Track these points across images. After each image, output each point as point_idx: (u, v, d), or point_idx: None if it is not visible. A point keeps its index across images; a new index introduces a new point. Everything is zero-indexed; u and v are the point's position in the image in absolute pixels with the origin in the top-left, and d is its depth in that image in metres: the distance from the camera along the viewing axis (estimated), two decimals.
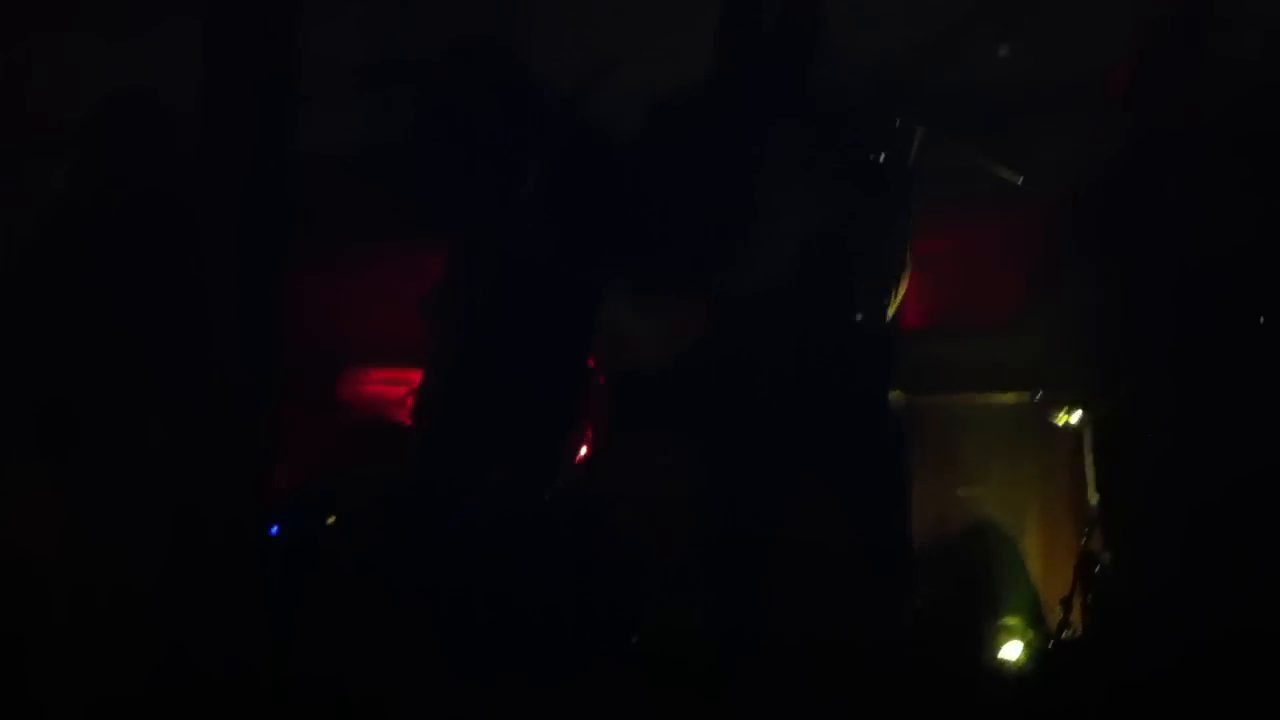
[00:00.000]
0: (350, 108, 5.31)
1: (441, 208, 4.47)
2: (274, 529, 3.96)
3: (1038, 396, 4.65)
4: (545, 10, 5.62)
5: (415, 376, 4.43)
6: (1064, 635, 4.63)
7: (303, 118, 4.48)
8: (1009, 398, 5.29)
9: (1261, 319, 3.80)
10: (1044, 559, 5.12)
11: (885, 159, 4.30)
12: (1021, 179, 4.53)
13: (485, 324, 4.26)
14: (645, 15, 5.62)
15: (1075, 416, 4.38)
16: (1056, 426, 4.66)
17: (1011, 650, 4.85)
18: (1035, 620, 4.89)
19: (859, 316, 4.33)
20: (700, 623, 4.13)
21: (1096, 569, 4.37)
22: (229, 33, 4.38)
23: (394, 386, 4.68)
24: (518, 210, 4.29)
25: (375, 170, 5.00)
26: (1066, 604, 4.64)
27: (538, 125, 4.36)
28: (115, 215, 4.25)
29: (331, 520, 4.04)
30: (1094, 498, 4.07)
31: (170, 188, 4.31)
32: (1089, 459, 4.07)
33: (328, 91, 5.24)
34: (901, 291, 4.36)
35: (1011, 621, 4.91)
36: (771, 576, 4.10)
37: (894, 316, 4.58)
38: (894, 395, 4.90)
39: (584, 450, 4.61)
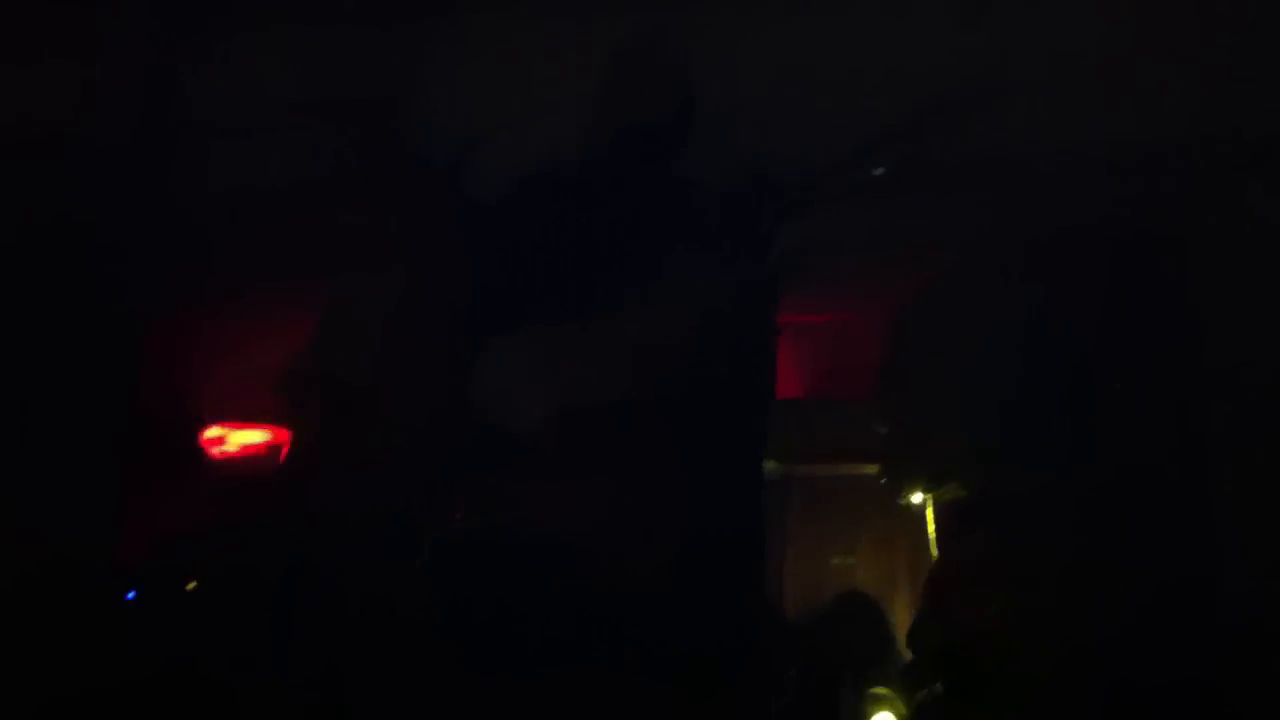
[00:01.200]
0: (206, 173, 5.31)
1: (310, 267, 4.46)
2: (130, 594, 3.93)
3: (881, 479, 4.71)
4: (434, 71, 5.67)
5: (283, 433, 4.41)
6: (933, 705, 4.68)
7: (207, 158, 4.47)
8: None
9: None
10: None
11: (759, 235, 4.36)
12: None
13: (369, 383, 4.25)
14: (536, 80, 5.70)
15: (917, 498, 4.46)
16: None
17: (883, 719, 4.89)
18: (906, 689, 4.94)
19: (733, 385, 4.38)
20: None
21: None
22: (111, 76, 4.35)
23: (260, 445, 4.65)
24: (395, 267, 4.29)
25: (238, 228, 5.00)
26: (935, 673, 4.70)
27: (417, 184, 4.35)
28: None
29: (192, 585, 4.00)
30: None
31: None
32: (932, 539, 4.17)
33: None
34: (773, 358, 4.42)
35: (882, 691, 4.95)
36: (636, 630, 4.11)
37: (770, 386, 4.63)
38: (769, 465, 4.95)
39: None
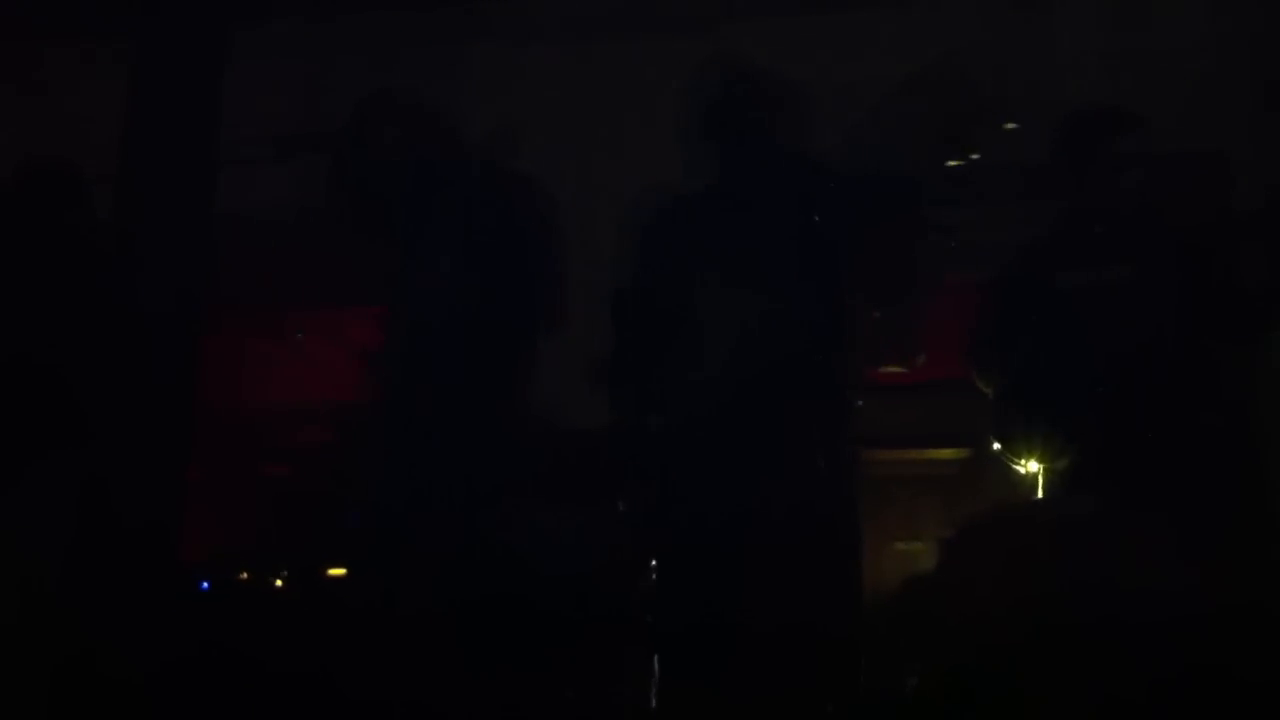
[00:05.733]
0: (282, 172, 5.36)
1: (363, 270, 4.42)
2: (204, 584, 3.97)
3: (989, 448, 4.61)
4: (476, 77, 5.69)
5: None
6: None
7: (229, 182, 4.47)
8: (948, 453, 5.34)
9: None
10: None
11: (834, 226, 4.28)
12: (954, 234, 4.56)
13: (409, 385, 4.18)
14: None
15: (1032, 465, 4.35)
16: (993, 482, 4.70)
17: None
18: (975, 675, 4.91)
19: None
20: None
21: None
22: (154, 94, 4.34)
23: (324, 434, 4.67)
24: (436, 270, 4.21)
25: (299, 234, 5.04)
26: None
27: (456, 184, 4.26)
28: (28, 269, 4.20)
29: (281, 581, 4.05)
30: None
31: (84, 250, 4.25)
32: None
33: (258, 155, 5.29)
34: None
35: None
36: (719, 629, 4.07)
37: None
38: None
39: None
